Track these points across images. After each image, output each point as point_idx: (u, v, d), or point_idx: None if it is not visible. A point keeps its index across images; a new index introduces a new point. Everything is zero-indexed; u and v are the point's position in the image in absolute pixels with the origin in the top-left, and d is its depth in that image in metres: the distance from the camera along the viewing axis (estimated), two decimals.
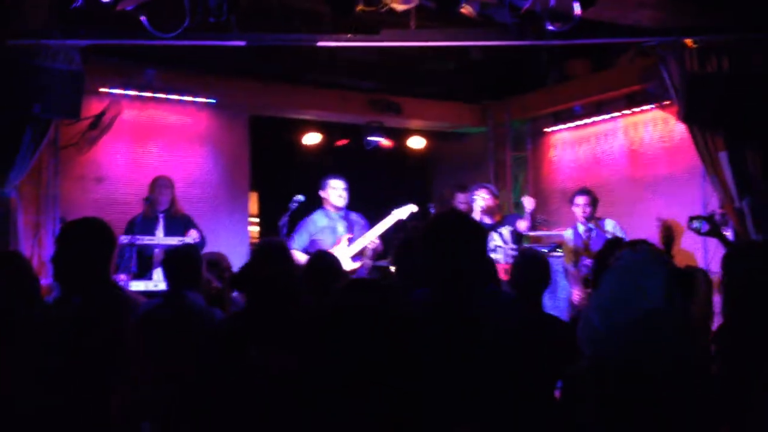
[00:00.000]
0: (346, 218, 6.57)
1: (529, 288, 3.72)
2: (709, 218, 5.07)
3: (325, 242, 6.34)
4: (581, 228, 6.68)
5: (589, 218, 6.64)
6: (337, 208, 6.52)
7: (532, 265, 3.82)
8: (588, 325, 2.06)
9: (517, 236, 7.00)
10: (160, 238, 6.04)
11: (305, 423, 2.30)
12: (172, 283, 3.80)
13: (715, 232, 4.92)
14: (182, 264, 3.83)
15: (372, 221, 6.74)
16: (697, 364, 2.04)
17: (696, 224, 5.73)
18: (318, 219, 6.53)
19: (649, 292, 1.91)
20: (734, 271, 2.78)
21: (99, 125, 6.90)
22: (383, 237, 6.49)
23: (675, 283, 1.96)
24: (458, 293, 2.52)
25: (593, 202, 6.67)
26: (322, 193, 6.58)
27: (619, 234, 6.58)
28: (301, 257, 6.03)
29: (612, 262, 2.12)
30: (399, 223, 6.60)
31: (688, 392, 1.92)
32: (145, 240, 5.91)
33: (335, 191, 6.52)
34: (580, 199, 6.67)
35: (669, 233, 5.35)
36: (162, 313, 3.51)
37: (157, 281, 5.86)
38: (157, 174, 6.64)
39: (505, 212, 7.92)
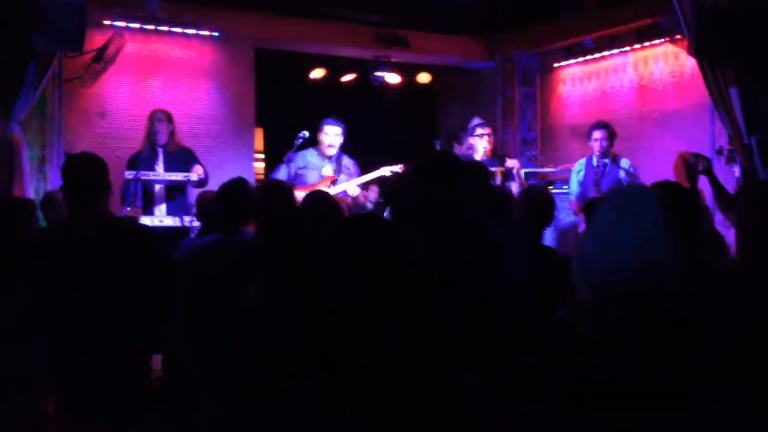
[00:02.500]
0: (337, 161, 6.56)
1: (529, 224, 3.71)
2: (704, 158, 5.01)
3: (307, 179, 6.37)
4: (595, 161, 6.58)
5: (605, 153, 6.53)
6: (328, 154, 6.51)
7: (534, 202, 3.81)
8: (582, 256, 2.05)
9: (504, 177, 6.81)
10: (161, 173, 6.03)
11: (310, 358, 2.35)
12: (229, 218, 3.83)
13: (707, 171, 4.88)
14: (239, 199, 3.87)
15: (376, 158, 6.73)
16: (695, 280, 2.02)
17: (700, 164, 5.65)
18: (309, 155, 6.52)
19: (647, 213, 1.89)
20: (748, 211, 2.78)
21: (102, 58, 6.84)
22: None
23: (671, 207, 1.94)
24: (451, 236, 2.50)
25: (610, 137, 6.53)
26: (318, 134, 6.55)
27: (632, 173, 6.49)
28: None
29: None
30: (382, 179, 6.62)
31: (688, 310, 1.92)
32: (150, 175, 5.90)
33: (327, 137, 6.49)
34: (598, 134, 6.55)
35: (690, 167, 5.26)
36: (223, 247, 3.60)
37: (161, 216, 5.89)
38: (161, 108, 6.59)
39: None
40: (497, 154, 6.88)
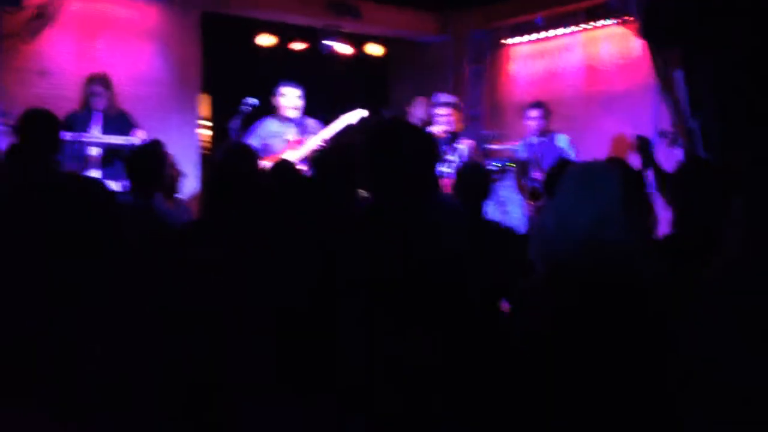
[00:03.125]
0: (299, 124, 6.46)
1: (470, 197, 3.74)
2: (644, 139, 5.10)
3: (275, 147, 6.28)
4: (534, 140, 6.69)
5: (542, 132, 6.65)
6: (289, 118, 6.40)
7: (471, 175, 3.86)
8: (543, 232, 2.05)
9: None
10: (100, 136, 5.87)
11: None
12: (139, 183, 3.75)
13: (644, 152, 4.98)
14: (150, 163, 3.79)
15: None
16: (653, 263, 2.04)
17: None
18: (269, 124, 6.43)
19: (606, 193, 1.90)
20: (683, 189, 2.82)
21: (43, 15, 6.61)
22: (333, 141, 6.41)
23: (630, 185, 1.95)
24: (400, 199, 2.48)
25: (546, 116, 6.68)
26: (274, 100, 6.44)
27: (570, 151, 6.62)
28: None
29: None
30: (348, 128, 6.52)
31: (645, 293, 1.93)
32: (90, 137, 5.74)
33: (286, 99, 6.39)
34: (533, 113, 6.69)
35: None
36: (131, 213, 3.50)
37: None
38: (102, 70, 6.40)
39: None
40: (454, 134, 6.88)
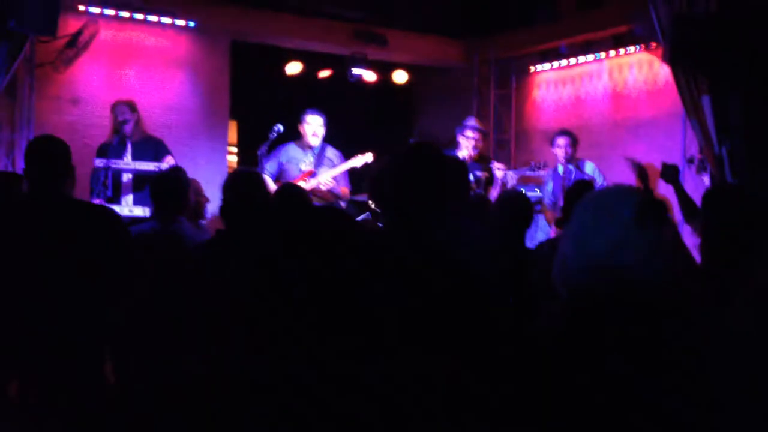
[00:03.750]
0: (319, 154, 6.54)
1: (508, 226, 3.73)
2: (672, 166, 5.07)
3: (290, 173, 6.38)
4: (561, 169, 6.69)
5: (570, 159, 6.66)
6: (311, 145, 6.49)
7: (511, 204, 3.84)
8: (561, 258, 2.06)
9: (487, 181, 6.84)
10: (130, 162, 5.97)
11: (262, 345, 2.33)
12: (161, 208, 3.83)
13: (673, 180, 4.94)
14: (172, 189, 3.87)
15: (351, 156, 6.72)
16: (673, 289, 2.04)
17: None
18: (291, 149, 6.52)
19: (619, 219, 1.91)
20: (713, 214, 2.82)
21: (76, 44, 6.74)
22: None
23: (647, 211, 1.95)
24: (421, 222, 2.50)
25: (573, 144, 6.68)
26: (299, 127, 6.54)
27: (598, 177, 6.61)
28: (270, 184, 6.03)
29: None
30: (354, 171, 6.66)
31: (664, 318, 1.93)
32: (120, 164, 5.84)
33: (310, 127, 6.48)
34: (561, 140, 6.70)
35: (643, 174, 5.33)
36: (154, 237, 3.56)
37: (130, 206, 5.83)
38: (133, 97, 6.52)
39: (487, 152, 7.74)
40: (483, 158, 6.93)
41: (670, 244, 1.99)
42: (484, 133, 6.99)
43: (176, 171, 4.14)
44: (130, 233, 3.41)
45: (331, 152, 6.61)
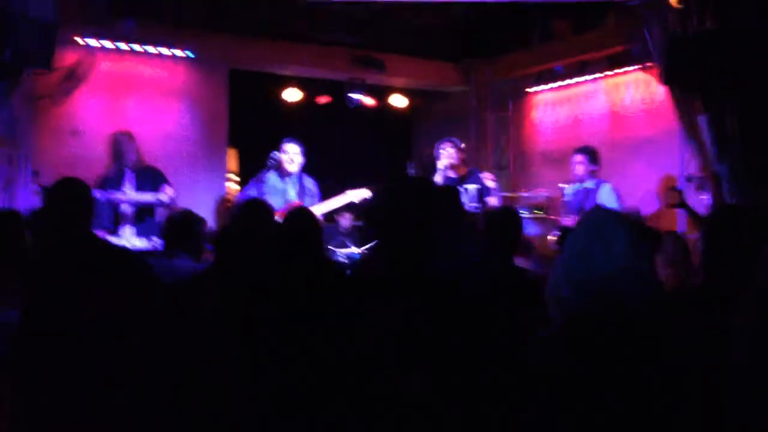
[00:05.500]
0: (299, 182, 6.54)
1: (500, 243, 3.71)
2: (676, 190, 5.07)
3: (273, 203, 6.35)
4: (577, 187, 6.59)
5: (584, 179, 6.53)
6: (289, 173, 6.48)
7: (504, 221, 3.81)
8: (554, 283, 2.07)
9: (481, 194, 6.76)
10: (130, 193, 5.97)
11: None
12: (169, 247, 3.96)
13: (680, 203, 4.92)
14: (183, 231, 3.95)
15: (350, 180, 6.72)
16: (662, 320, 2.04)
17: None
18: (271, 178, 6.47)
19: (613, 249, 1.90)
20: (714, 235, 2.81)
21: (74, 76, 6.78)
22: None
23: (639, 241, 1.95)
24: (412, 252, 2.52)
25: (589, 161, 6.54)
26: (278, 155, 6.50)
27: (612, 201, 6.47)
28: None
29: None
30: (350, 205, 6.64)
31: (655, 349, 1.93)
32: (119, 196, 5.85)
33: (287, 155, 6.44)
34: (577, 158, 6.58)
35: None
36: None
37: (129, 237, 5.83)
38: (132, 128, 6.54)
39: (470, 167, 7.60)
40: (470, 172, 6.78)
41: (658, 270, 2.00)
42: (458, 147, 6.86)
43: (186, 215, 4.23)
44: (152, 275, 3.42)
45: (308, 182, 6.60)
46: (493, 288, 2.82)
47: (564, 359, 1.96)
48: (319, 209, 6.34)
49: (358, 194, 6.54)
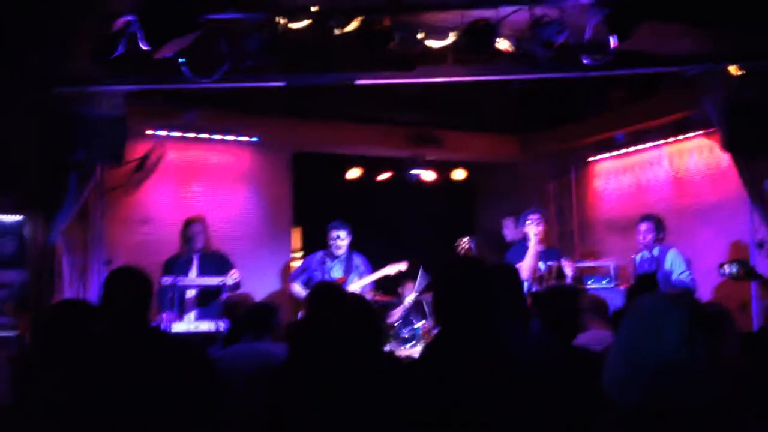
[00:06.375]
0: (346, 260, 6.71)
1: (558, 325, 3.64)
2: (741, 261, 4.89)
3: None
4: (645, 255, 6.52)
5: (651, 246, 6.46)
6: (336, 255, 6.68)
7: (562, 302, 3.75)
8: (611, 371, 2.01)
9: (558, 273, 6.75)
10: (195, 279, 6.14)
11: None
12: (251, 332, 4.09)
13: (748, 274, 4.74)
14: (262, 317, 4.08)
15: (417, 253, 6.81)
16: (727, 410, 1.96)
17: (726, 270, 5.57)
18: (319, 257, 6.69)
19: (667, 338, 1.84)
20: None
21: (144, 167, 7.05)
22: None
23: (697, 328, 1.89)
24: (472, 337, 2.54)
25: (655, 229, 6.49)
26: (327, 238, 6.76)
27: (678, 266, 6.33)
28: (299, 291, 6.59)
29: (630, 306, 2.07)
30: (386, 278, 6.84)
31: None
32: (186, 281, 6.00)
33: (333, 241, 6.69)
34: (642, 226, 6.54)
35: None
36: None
37: (195, 322, 5.94)
38: (199, 213, 6.75)
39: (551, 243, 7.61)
40: (554, 250, 6.88)
41: (723, 359, 1.91)
42: (542, 216, 6.91)
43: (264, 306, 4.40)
44: (211, 368, 3.46)
45: (357, 260, 6.79)
46: (551, 372, 2.78)
47: None
48: (360, 284, 6.50)
49: (395, 267, 6.70)
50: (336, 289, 4.34)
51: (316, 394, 2.97)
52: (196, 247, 6.33)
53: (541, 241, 6.73)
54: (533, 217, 6.79)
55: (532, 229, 6.69)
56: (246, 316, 4.26)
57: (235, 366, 3.82)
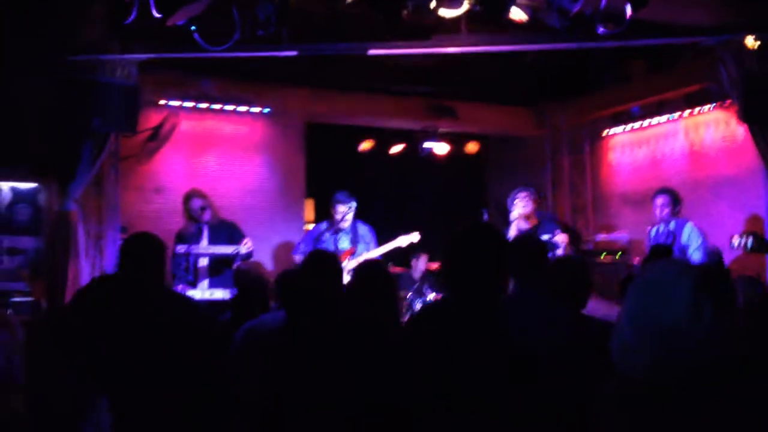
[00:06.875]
0: (352, 231, 6.66)
1: (566, 295, 3.63)
2: (754, 234, 4.82)
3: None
4: (661, 228, 6.46)
5: (667, 220, 6.39)
6: (341, 228, 6.63)
7: (570, 272, 3.74)
8: (618, 337, 2.01)
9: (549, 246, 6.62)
10: (208, 247, 6.18)
11: None
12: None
13: (762, 247, 4.69)
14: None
15: (428, 226, 6.79)
16: (731, 378, 1.96)
17: (738, 241, 5.51)
18: (325, 228, 6.66)
19: (674, 304, 1.84)
20: None
21: (158, 136, 7.07)
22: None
23: (704, 295, 1.88)
24: (474, 298, 2.56)
25: (671, 203, 6.41)
26: (330, 209, 6.71)
27: (694, 240, 6.27)
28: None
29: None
30: (398, 250, 6.75)
31: (720, 407, 1.85)
32: (200, 249, 6.04)
33: (337, 214, 6.62)
34: (656, 200, 6.47)
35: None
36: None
37: (209, 289, 5.99)
38: (212, 183, 6.77)
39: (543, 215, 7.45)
40: (540, 221, 6.69)
41: (730, 325, 1.91)
42: (533, 195, 6.76)
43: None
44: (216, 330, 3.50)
45: (363, 229, 6.73)
46: (560, 340, 2.78)
47: (627, 421, 1.91)
48: (367, 255, 6.45)
49: (407, 239, 6.65)
50: (331, 256, 4.30)
51: (314, 360, 2.99)
52: (206, 218, 6.35)
53: (527, 218, 6.61)
54: (521, 195, 6.64)
55: (518, 209, 6.58)
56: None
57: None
